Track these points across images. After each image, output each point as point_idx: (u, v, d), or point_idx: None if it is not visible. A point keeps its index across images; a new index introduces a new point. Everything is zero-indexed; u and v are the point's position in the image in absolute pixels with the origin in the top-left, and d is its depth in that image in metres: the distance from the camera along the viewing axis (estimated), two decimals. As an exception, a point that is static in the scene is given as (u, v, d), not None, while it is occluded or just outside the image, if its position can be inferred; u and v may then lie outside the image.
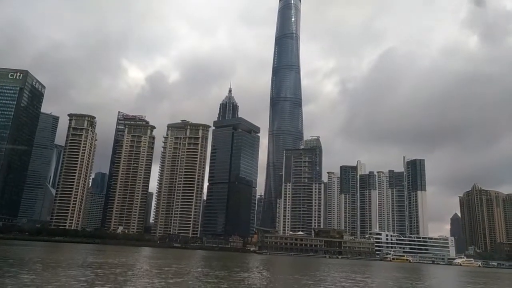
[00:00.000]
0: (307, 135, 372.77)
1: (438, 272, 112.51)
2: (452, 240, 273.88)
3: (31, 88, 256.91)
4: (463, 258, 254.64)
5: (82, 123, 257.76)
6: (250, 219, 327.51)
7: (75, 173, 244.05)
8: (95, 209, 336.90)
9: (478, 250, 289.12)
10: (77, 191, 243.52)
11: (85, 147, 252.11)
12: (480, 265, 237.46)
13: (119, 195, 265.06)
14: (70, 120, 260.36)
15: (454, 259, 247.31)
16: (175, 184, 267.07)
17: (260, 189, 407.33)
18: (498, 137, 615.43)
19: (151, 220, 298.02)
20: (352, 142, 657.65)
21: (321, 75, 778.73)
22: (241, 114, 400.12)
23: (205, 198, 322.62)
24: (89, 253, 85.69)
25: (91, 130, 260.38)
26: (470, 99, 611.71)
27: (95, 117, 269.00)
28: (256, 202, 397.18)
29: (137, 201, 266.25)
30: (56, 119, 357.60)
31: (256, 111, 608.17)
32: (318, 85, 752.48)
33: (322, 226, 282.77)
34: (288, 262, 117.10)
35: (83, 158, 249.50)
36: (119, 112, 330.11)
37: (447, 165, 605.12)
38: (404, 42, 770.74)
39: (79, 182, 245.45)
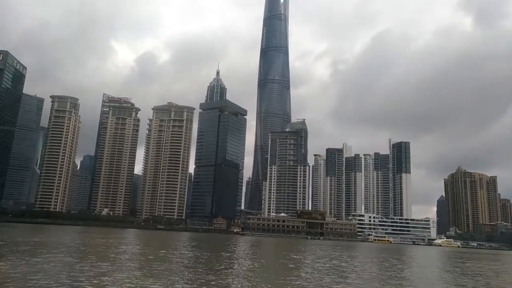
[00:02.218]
0: (297, 117, 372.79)
1: (407, 252, 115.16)
2: (434, 222, 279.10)
3: (12, 69, 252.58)
4: (443, 238, 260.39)
5: (65, 105, 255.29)
6: (237, 201, 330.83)
7: (58, 155, 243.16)
8: (82, 192, 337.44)
9: (459, 231, 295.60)
10: (61, 174, 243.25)
11: (69, 129, 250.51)
12: (460, 245, 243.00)
13: (104, 177, 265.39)
14: (52, 102, 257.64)
15: (434, 239, 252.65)
16: (160, 166, 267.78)
17: (248, 171, 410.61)
18: (487, 120, 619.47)
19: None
20: (342, 125, 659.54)
21: (313, 57, 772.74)
22: (229, 96, 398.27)
23: (192, 180, 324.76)
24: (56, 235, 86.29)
25: (74, 112, 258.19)
26: (462, 82, 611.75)
27: (78, 99, 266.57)
28: (245, 184, 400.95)
29: (122, 184, 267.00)
30: (41, 101, 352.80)
31: (245, 93, 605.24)
32: (310, 67, 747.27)
33: (307, 208, 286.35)
34: (264, 243, 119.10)
35: (67, 141, 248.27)
36: (104, 94, 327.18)
37: (437, 148, 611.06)
38: (398, 24, 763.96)
39: (63, 165, 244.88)
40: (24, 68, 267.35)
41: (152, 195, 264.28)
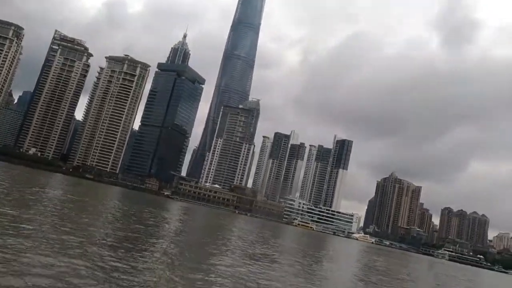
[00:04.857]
0: (256, 97, 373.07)
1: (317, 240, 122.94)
2: (357, 218, 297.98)
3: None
4: (361, 233, 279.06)
5: (6, 32, 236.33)
6: (178, 167, 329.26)
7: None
8: (13, 128, 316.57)
9: (377, 229, 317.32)
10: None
11: (6, 58, 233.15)
12: (374, 242, 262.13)
13: (39, 115, 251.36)
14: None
15: (353, 233, 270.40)
16: (102, 117, 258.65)
17: (197, 141, 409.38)
18: (432, 136, 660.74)
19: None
20: (300, 114, 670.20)
21: (287, 42, 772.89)
22: (192, 63, 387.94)
23: (135, 138, 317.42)
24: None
25: (16, 42, 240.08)
26: (420, 97, 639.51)
27: (23, 29, 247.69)
28: (192, 152, 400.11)
29: (58, 125, 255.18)
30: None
31: (208, 64, 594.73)
32: (281, 51, 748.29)
33: (245, 185, 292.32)
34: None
35: (1, 70, 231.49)
36: (56, 30, 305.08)
37: (383, 152, 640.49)
38: (375, 28, 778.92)
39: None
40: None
41: (89, 143, 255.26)
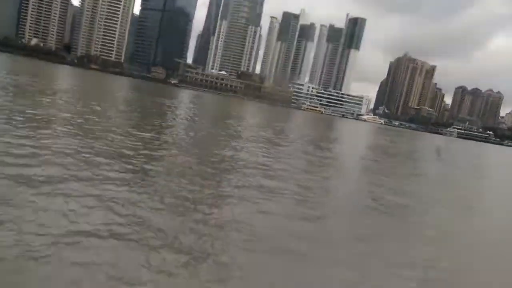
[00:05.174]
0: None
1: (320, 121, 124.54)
2: (367, 100, 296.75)
3: None
4: (370, 115, 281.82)
5: None
6: (183, 53, 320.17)
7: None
8: (11, 18, 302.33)
9: (386, 111, 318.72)
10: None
11: None
12: (383, 123, 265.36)
13: (34, 1, 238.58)
14: None
15: (362, 115, 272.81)
16: (100, 1, 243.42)
17: (201, 26, 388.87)
18: (451, 12, 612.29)
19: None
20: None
21: None
22: None
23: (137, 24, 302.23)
24: None
25: None
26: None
27: None
28: (197, 38, 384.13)
29: (56, 12, 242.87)
30: None
31: None
32: None
33: (251, 71, 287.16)
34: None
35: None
36: None
37: (397, 32, 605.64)
38: None
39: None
40: None
41: (90, 31, 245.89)
